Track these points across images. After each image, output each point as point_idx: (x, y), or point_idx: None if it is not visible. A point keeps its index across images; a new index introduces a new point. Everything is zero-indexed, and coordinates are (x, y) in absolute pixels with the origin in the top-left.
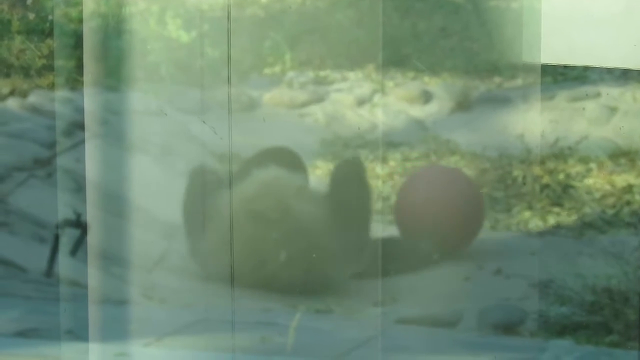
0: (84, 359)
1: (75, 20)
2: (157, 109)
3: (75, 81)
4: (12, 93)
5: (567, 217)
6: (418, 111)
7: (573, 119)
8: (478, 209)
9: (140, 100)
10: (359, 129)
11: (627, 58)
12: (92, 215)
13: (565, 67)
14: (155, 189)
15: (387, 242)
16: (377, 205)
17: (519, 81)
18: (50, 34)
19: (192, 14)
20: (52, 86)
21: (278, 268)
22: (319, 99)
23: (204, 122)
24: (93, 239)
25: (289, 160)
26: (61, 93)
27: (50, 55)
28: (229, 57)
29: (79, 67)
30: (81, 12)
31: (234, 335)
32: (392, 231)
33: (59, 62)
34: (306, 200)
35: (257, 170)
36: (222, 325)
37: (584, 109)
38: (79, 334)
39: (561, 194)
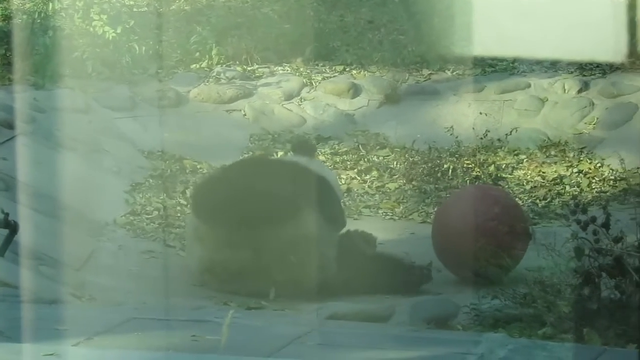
0: (14, 359)
1: (0, 18)
2: (85, 106)
3: (1, 78)
4: None
5: None
6: (347, 105)
7: (503, 110)
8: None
9: (67, 97)
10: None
11: (556, 49)
12: (20, 214)
13: (495, 58)
14: (84, 187)
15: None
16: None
17: (448, 73)
18: None
19: (118, 9)
20: None
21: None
22: (247, 94)
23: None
24: (22, 238)
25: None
26: None
27: None
28: (157, 53)
29: (5, 64)
30: (6, 9)
31: (165, 333)
32: None
33: None
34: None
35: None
36: (153, 324)
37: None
38: (8, 334)
39: (492, 186)
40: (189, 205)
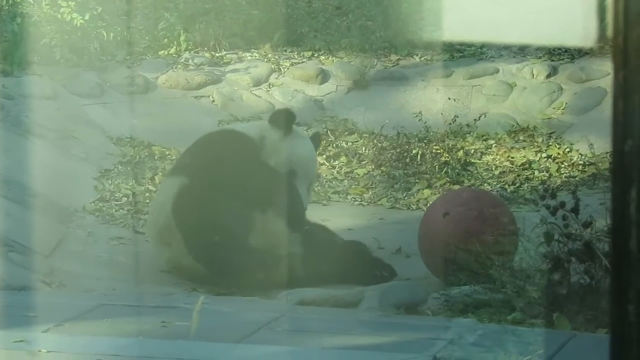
0: None
1: None
2: (53, 93)
3: None
4: None
5: None
6: (315, 91)
7: (471, 96)
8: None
9: (35, 84)
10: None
11: (524, 34)
12: None
13: (463, 43)
14: (53, 174)
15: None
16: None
17: (416, 59)
18: None
19: None
20: None
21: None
22: (215, 80)
23: None
24: None
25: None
26: None
27: None
28: (125, 40)
29: None
30: None
31: (135, 319)
32: None
33: None
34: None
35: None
36: (123, 310)
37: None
38: None
39: (461, 171)
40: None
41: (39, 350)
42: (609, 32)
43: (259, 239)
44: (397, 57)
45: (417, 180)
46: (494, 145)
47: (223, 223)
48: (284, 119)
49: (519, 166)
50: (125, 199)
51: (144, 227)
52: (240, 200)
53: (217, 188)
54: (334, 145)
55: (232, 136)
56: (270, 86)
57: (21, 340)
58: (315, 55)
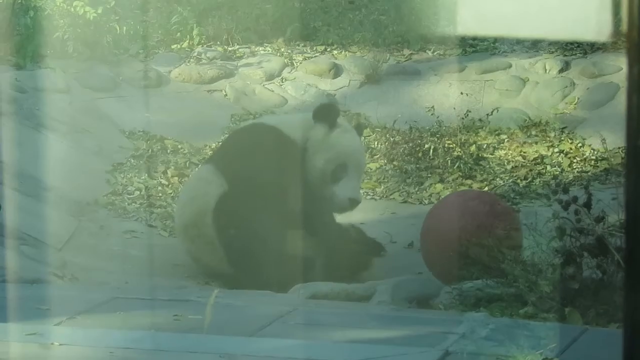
0: None
1: None
2: (66, 87)
3: None
4: None
5: (479, 189)
6: (328, 85)
7: (484, 90)
8: None
9: (48, 77)
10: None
11: (537, 29)
12: (2, 194)
13: (475, 38)
14: (65, 167)
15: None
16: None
17: (429, 53)
18: None
19: None
20: None
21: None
22: (228, 74)
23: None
24: (3, 218)
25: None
26: None
27: None
28: (138, 33)
29: None
30: None
31: (148, 312)
32: None
33: None
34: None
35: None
36: (135, 303)
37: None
38: None
39: (473, 166)
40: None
41: (52, 343)
42: (624, 26)
43: (285, 242)
44: (410, 52)
45: (429, 175)
46: (506, 140)
47: (261, 232)
48: (328, 114)
49: (531, 161)
50: (138, 192)
51: (157, 220)
52: (275, 206)
53: (256, 194)
54: None
55: (274, 136)
56: (283, 80)
57: (34, 333)
58: (328, 49)
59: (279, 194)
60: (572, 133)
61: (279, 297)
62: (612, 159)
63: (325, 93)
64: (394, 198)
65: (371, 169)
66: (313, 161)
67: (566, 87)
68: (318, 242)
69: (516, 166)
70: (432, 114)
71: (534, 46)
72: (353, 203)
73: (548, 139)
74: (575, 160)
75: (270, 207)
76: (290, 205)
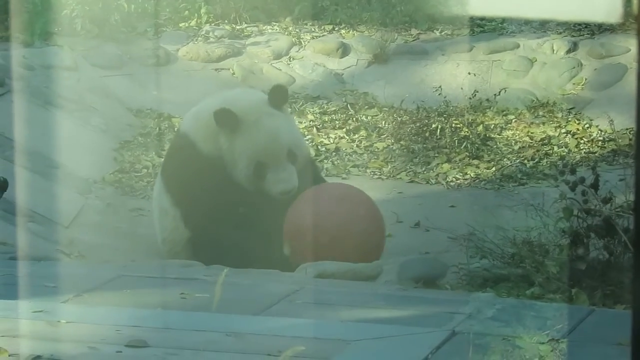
0: (2, 316)
1: None
2: (74, 64)
3: None
4: None
5: (486, 170)
6: (335, 64)
7: (491, 70)
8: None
9: (56, 55)
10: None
11: (545, 9)
12: (9, 172)
13: (483, 18)
14: (72, 145)
15: None
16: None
17: (436, 33)
18: None
19: None
20: None
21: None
22: (236, 53)
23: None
24: (10, 195)
25: None
26: None
27: None
28: (146, 11)
29: None
30: None
31: (154, 291)
32: None
33: None
34: None
35: None
36: (142, 281)
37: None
38: None
39: (480, 146)
40: None
41: (58, 321)
42: (635, 7)
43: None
44: (418, 32)
45: (436, 155)
46: (513, 121)
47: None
48: (227, 119)
49: (539, 141)
50: (145, 170)
51: None
52: (232, 216)
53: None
54: (354, 119)
55: (192, 154)
56: (291, 59)
57: (40, 311)
58: (336, 28)
59: (228, 206)
60: (580, 114)
61: (286, 276)
62: (620, 140)
63: (332, 72)
64: (400, 178)
65: (378, 149)
66: (233, 171)
67: (574, 67)
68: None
69: (523, 147)
70: (439, 94)
71: (542, 27)
72: (285, 193)
73: (555, 119)
74: (582, 141)
75: (227, 219)
76: (243, 212)
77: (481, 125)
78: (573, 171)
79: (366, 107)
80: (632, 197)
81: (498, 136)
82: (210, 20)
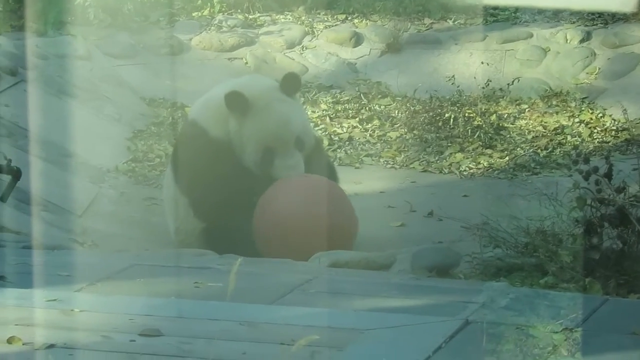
0: (16, 305)
1: None
2: (87, 53)
3: (4, 25)
4: None
5: (499, 159)
6: (348, 53)
7: (505, 60)
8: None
9: (69, 44)
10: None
11: None
12: (23, 161)
13: (497, 8)
14: (86, 134)
15: None
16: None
17: (449, 22)
18: None
19: None
20: None
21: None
22: (249, 42)
23: None
24: (24, 184)
25: None
26: None
27: None
28: (159, 1)
29: (8, 11)
30: None
31: (167, 279)
32: None
33: None
34: None
35: None
36: (155, 270)
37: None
38: (11, 279)
39: (493, 135)
40: None
41: (72, 310)
42: None
43: None
44: (431, 21)
45: (449, 144)
46: (526, 110)
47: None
48: (237, 102)
49: (552, 131)
50: (158, 159)
51: None
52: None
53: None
54: (367, 108)
55: (204, 142)
56: (304, 49)
57: (54, 300)
58: (349, 18)
59: (239, 193)
60: (593, 103)
61: (300, 265)
62: (633, 130)
63: (345, 62)
64: (414, 167)
65: (391, 138)
66: (243, 156)
67: (587, 57)
68: None
69: (537, 136)
70: (452, 83)
71: (555, 16)
72: None
73: (569, 109)
74: (595, 131)
75: (238, 207)
76: (253, 198)
77: (494, 114)
78: (586, 160)
79: (379, 96)
80: None
81: (511, 125)
82: (223, 9)
